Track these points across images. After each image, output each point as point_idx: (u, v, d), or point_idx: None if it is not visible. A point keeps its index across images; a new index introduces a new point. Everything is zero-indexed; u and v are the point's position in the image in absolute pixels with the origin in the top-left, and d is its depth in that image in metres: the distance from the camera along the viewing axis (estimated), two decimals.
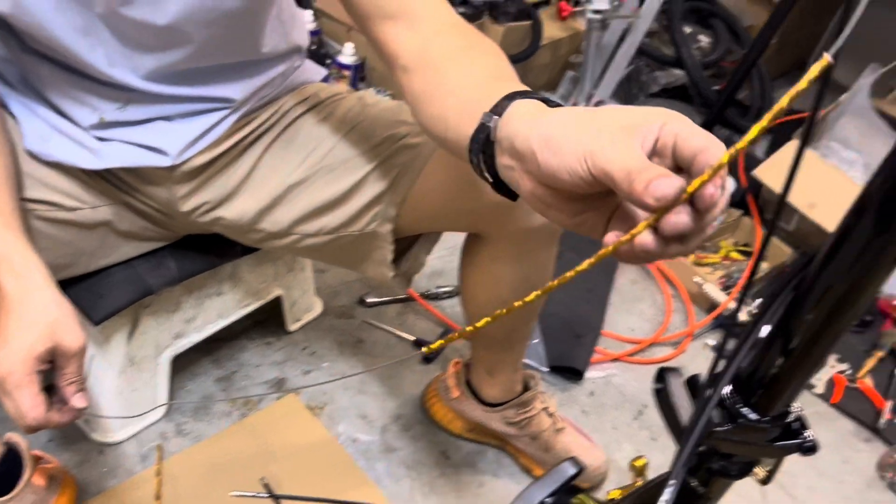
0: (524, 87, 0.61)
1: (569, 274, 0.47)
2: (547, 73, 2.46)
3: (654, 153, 0.49)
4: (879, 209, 0.44)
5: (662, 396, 0.56)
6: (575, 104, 2.31)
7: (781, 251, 2.03)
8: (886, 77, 2.22)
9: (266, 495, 1.16)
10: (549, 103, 0.57)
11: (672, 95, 2.65)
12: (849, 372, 1.78)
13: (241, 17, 0.87)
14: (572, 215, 0.53)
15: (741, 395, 0.54)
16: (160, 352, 1.20)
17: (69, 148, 0.90)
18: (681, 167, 0.48)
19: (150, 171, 0.96)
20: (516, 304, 0.52)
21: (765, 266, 2.00)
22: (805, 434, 0.55)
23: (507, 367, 1.24)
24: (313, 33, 2.01)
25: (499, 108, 0.57)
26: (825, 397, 1.71)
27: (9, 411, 0.71)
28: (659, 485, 0.48)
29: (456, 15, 0.78)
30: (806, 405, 1.66)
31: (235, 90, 0.94)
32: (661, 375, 0.58)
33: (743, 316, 1.78)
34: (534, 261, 1.08)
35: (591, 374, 1.58)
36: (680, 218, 0.44)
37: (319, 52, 1.99)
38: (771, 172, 2.07)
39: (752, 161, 2.26)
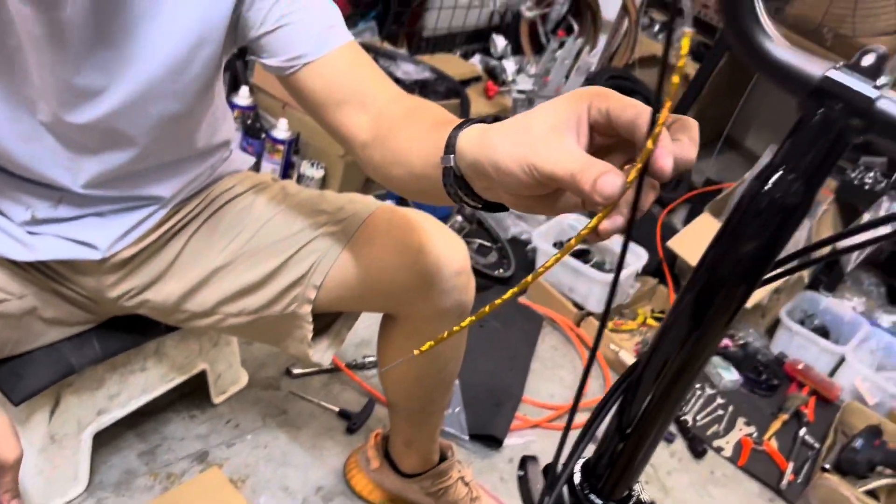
0: (467, 118, 0.67)
1: (514, 290, 0.53)
2: None
3: (596, 131, 0.53)
4: (692, 312, 0.53)
5: (523, 483, 0.63)
6: None
7: None
8: None
9: None
10: (488, 121, 0.62)
11: None
12: (755, 434, 1.89)
13: (183, 119, 0.94)
14: (561, 205, 0.56)
15: (590, 482, 0.62)
16: (82, 429, 1.23)
17: (1, 240, 0.95)
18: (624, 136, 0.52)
19: (79, 262, 1.01)
20: (442, 335, 0.58)
21: None
22: None
23: (425, 437, 1.30)
24: (249, 108, 2.09)
25: (450, 146, 0.62)
26: (733, 460, 1.80)
27: None
28: None
29: (396, 87, 0.87)
30: (715, 468, 1.76)
31: (167, 188, 1.01)
32: (523, 463, 0.65)
33: None
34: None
35: (511, 441, 1.64)
36: (615, 221, 0.49)
37: (255, 127, 2.07)
38: (684, 243, 2.20)
39: (670, 231, 2.40)
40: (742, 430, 1.89)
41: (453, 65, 2.59)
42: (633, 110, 0.50)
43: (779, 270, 0.57)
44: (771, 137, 3.31)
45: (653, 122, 0.46)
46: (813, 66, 0.47)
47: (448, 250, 1.02)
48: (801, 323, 2.21)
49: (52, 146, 0.89)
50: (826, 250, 0.59)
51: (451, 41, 2.92)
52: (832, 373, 2.11)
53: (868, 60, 0.45)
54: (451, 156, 0.62)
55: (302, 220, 1.07)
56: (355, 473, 1.40)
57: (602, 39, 2.97)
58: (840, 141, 0.47)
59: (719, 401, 1.96)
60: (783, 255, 0.53)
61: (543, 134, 0.52)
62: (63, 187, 0.92)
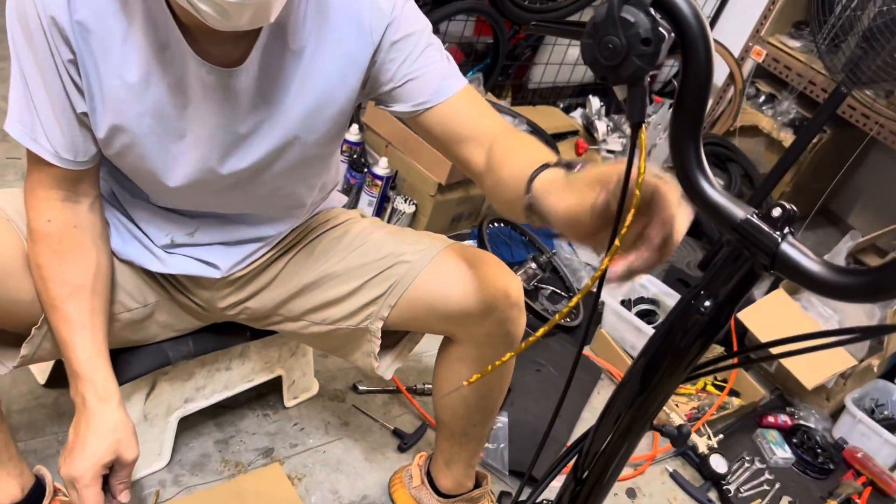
0: (551, 160, 0.85)
1: (553, 319, 0.68)
2: None
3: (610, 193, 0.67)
4: (641, 379, 0.65)
5: None
6: None
7: (756, 390, 2.18)
8: (862, 244, 2.38)
9: None
10: (564, 164, 0.81)
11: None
12: None
13: (315, 163, 1.15)
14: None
15: None
16: (171, 412, 1.44)
17: (142, 254, 1.17)
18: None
19: (201, 277, 1.22)
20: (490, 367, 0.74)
21: (737, 402, 2.15)
22: None
23: (462, 461, 1.43)
24: (357, 144, 2.31)
25: (528, 186, 0.82)
26: None
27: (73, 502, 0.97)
28: None
29: (504, 121, 1.07)
30: None
31: (280, 228, 1.23)
32: (500, 499, 0.78)
33: (702, 447, 1.93)
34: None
35: (551, 484, 1.74)
36: (627, 262, 0.63)
37: (359, 161, 2.28)
38: (755, 317, 2.23)
39: (747, 301, 2.43)
40: None
41: (553, 117, 2.73)
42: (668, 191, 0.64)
43: (719, 365, 0.68)
44: (874, 217, 3.25)
45: (614, 234, 0.60)
46: (737, 210, 0.59)
47: (506, 284, 1.17)
48: (871, 412, 2.19)
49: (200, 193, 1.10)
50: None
51: (557, 93, 3.06)
52: (894, 467, 2.08)
53: (777, 212, 0.57)
54: (529, 194, 0.81)
55: (385, 249, 1.24)
56: (398, 488, 1.55)
57: None
58: (751, 274, 0.59)
59: (767, 476, 1.98)
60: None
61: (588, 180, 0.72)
62: (200, 221, 1.16)
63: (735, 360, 0.67)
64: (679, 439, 1.98)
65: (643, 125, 0.58)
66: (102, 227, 1.09)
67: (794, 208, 0.57)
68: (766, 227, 0.57)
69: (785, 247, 0.56)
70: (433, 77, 1.04)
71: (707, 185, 0.60)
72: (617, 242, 0.60)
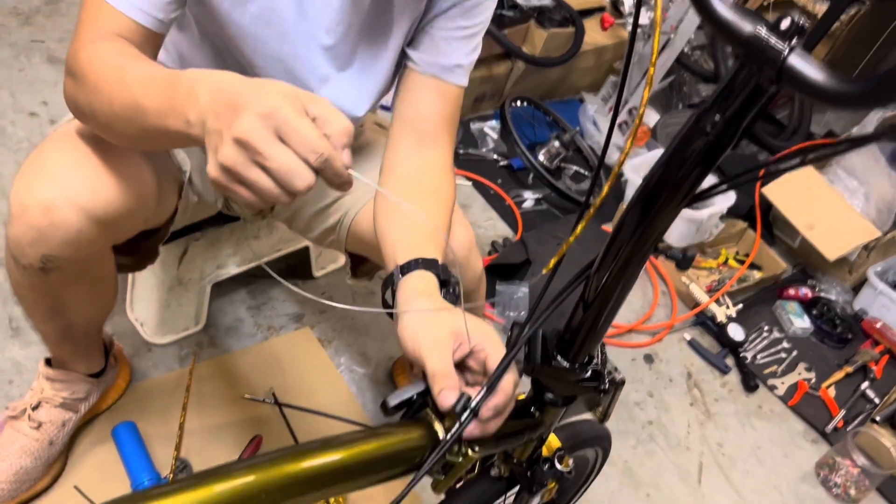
0: (436, 254, 0.88)
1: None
2: (591, 76, 2.65)
3: (470, 357, 0.77)
4: (642, 208, 0.67)
5: (508, 343, 0.80)
6: (611, 108, 2.50)
7: (778, 264, 2.19)
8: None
9: (272, 402, 1.45)
10: (440, 277, 0.86)
11: None
12: (813, 381, 1.95)
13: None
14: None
15: (560, 348, 0.78)
16: (204, 277, 1.50)
17: None
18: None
19: None
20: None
21: (758, 275, 2.17)
22: (599, 380, 0.78)
23: None
24: None
25: (405, 269, 0.85)
26: (784, 399, 1.89)
27: (279, 164, 0.58)
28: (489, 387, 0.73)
29: (448, 155, 1.05)
30: (764, 403, 1.86)
31: None
32: (513, 326, 0.82)
33: (720, 317, 1.97)
34: None
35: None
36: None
37: None
38: (780, 192, 2.22)
39: (772, 177, 2.41)
40: (801, 374, 1.96)
41: None
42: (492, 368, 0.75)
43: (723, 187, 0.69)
44: None
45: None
46: (745, 23, 0.59)
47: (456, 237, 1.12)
48: (894, 286, 2.20)
49: None
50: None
51: None
52: None
53: (785, 24, 0.57)
54: (400, 276, 0.85)
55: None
56: (400, 373, 1.59)
57: None
58: (758, 89, 0.59)
59: (784, 345, 2.03)
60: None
61: (443, 332, 0.76)
62: None
63: (727, 186, 0.69)
64: (683, 262, 2.03)
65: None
66: None
67: (804, 20, 0.57)
68: (773, 39, 0.57)
69: (792, 58, 0.56)
70: (454, 54, 1.02)
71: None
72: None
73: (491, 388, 0.71)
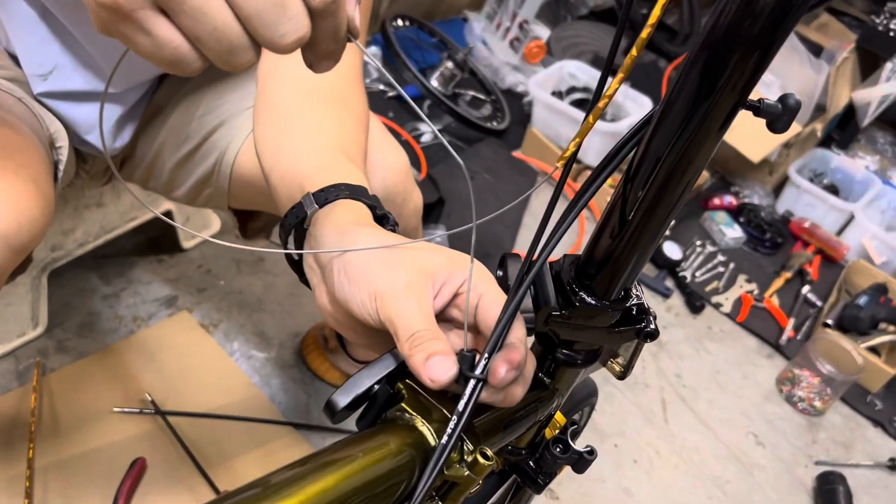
0: (360, 179, 0.59)
1: None
2: None
3: (453, 305, 0.49)
4: (701, 75, 0.41)
5: (502, 283, 0.53)
6: (499, 25, 2.25)
7: None
8: None
9: (151, 411, 1.12)
10: (375, 211, 0.57)
11: (600, 18, 2.61)
12: (756, 292, 1.82)
13: None
14: (366, 337, 0.52)
15: (582, 283, 0.52)
16: (36, 265, 1.14)
17: None
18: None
19: None
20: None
21: None
22: (645, 319, 0.53)
23: None
24: None
25: (321, 198, 0.55)
26: (732, 316, 1.74)
27: None
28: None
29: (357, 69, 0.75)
30: (713, 323, 1.69)
31: None
32: (503, 261, 0.55)
33: None
34: None
35: None
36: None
37: None
38: None
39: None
40: (743, 287, 1.82)
41: None
42: (498, 313, 0.46)
43: None
44: None
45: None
46: None
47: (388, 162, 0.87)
48: (811, 181, 2.10)
49: None
50: None
51: None
52: (839, 232, 2.02)
53: None
54: (317, 206, 0.55)
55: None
56: (312, 350, 1.30)
57: None
58: None
59: (720, 258, 1.88)
60: None
61: (412, 271, 0.47)
62: None
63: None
64: None
65: None
66: None
67: None
68: None
69: None
70: None
71: None
72: None
73: (499, 337, 0.45)
